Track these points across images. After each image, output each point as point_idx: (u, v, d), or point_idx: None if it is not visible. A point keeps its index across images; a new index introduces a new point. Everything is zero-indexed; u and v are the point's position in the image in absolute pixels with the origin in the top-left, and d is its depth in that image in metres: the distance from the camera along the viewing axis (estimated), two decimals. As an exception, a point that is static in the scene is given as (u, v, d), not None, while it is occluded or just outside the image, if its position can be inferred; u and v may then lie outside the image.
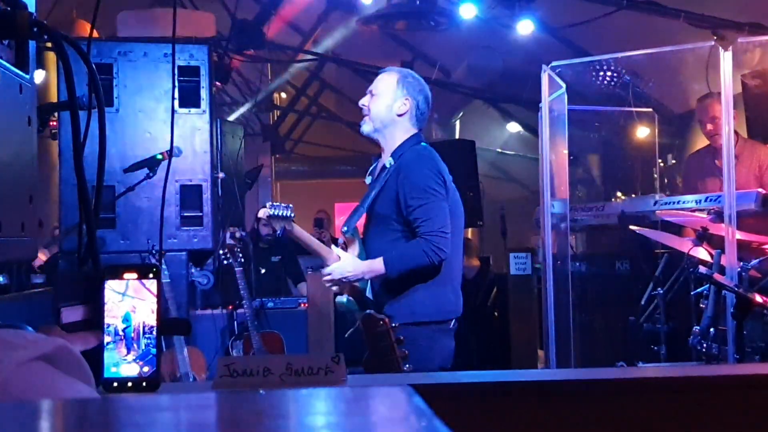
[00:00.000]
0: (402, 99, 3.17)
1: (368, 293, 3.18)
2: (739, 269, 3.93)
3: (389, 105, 3.16)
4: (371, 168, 3.34)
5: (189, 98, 4.90)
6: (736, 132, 4.77)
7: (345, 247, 3.24)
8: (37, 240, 1.31)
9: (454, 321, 3.13)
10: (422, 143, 3.19)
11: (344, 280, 3.12)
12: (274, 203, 3.12)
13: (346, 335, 3.13)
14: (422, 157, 3.11)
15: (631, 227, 4.95)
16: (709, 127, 4.97)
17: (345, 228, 3.26)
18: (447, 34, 8.28)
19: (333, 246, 3.23)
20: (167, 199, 4.74)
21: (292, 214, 3.09)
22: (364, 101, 3.21)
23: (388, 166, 3.16)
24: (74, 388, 0.78)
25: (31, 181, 1.26)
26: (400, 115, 3.17)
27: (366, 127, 3.21)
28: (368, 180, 3.30)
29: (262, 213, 3.14)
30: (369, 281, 3.17)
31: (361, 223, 3.27)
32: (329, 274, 3.12)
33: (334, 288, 3.18)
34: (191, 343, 4.88)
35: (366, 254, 3.18)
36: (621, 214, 5.46)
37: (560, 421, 1.79)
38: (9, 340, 0.76)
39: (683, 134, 7.81)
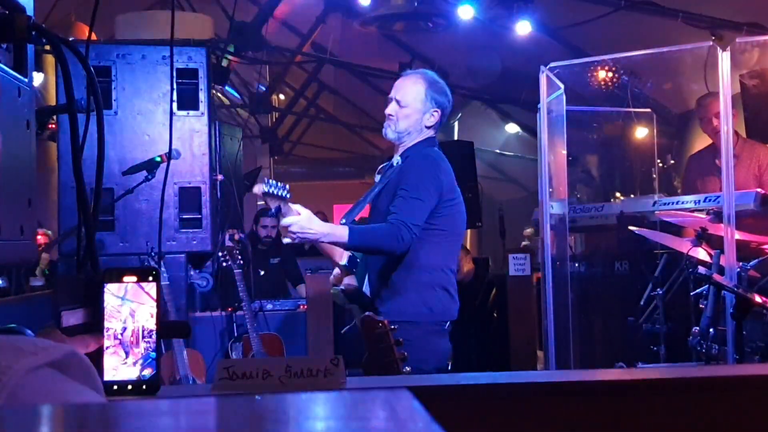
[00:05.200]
0: (432, 110, 3.13)
1: (365, 288, 3.16)
2: (738, 269, 3.93)
3: (418, 119, 3.12)
4: (382, 165, 3.32)
5: (187, 101, 4.90)
6: (735, 132, 4.76)
7: None
8: (36, 243, 1.31)
9: (448, 323, 3.12)
10: (435, 147, 3.17)
11: (304, 236, 2.93)
12: (270, 180, 2.96)
13: (342, 332, 3.11)
14: (427, 159, 3.09)
15: (630, 228, 4.94)
16: (715, 122, 4.91)
17: (344, 220, 3.24)
18: (445, 35, 8.28)
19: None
20: (166, 201, 4.73)
21: (288, 194, 2.93)
22: (391, 110, 3.13)
23: (395, 164, 3.15)
24: (83, 395, 0.78)
25: (30, 184, 1.26)
26: (428, 127, 3.15)
27: (390, 134, 3.16)
28: (377, 178, 3.29)
29: (257, 189, 2.99)
30: (367, 277, 3.15)
31: (361, 216, 3.25)
32: (288, 226, 2.90)
33: (292, 237, 2.95)
34: (190, 345, 4.87)
35: None
36: (620, 214, 5.45)
37: (559, 422, 1.79)
38: (18, 347, 0.76)
39: (682, 134, 7.82)
